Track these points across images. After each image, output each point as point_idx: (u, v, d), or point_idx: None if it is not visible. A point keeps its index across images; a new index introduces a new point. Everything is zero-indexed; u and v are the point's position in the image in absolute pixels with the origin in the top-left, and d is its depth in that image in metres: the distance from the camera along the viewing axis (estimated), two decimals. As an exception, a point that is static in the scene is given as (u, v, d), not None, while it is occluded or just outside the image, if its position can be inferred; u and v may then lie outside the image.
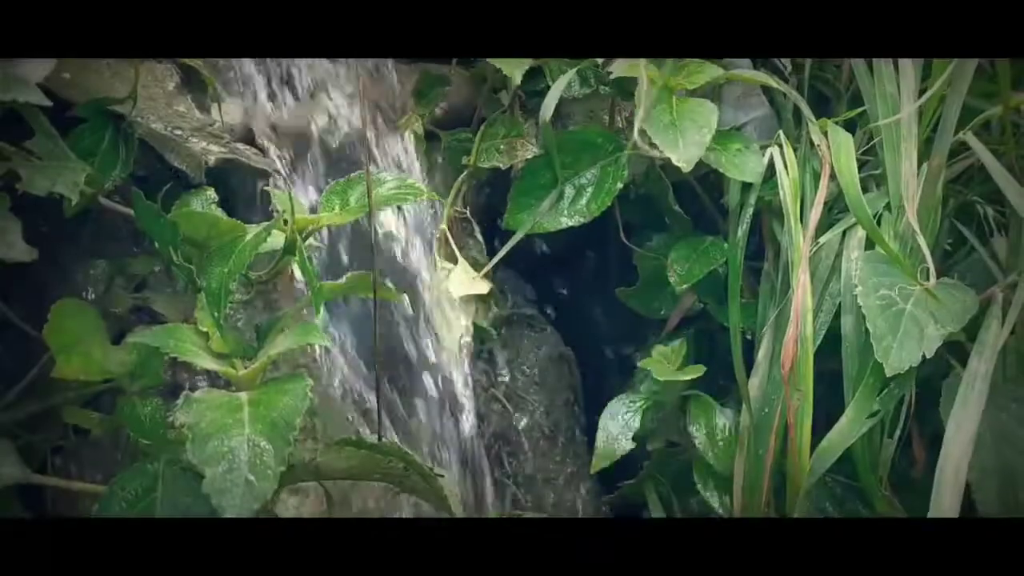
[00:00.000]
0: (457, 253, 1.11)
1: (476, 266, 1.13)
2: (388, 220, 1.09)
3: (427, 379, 1.11)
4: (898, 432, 0.95)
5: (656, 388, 1.13)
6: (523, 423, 1.26)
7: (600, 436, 1.12)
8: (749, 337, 1.09)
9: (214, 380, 1.03)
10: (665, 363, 1.09)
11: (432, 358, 1.11)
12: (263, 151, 1.10)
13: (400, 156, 1.14)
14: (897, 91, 1.00)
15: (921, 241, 0.92)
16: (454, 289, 1.07)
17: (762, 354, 1.05)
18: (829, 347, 0.99)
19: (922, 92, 0.99)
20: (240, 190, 1.08)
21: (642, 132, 1.02)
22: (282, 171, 1.09)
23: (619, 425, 1.11)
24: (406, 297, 1.06)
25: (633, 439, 1.11)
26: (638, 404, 1.12)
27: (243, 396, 0.78)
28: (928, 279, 0.93)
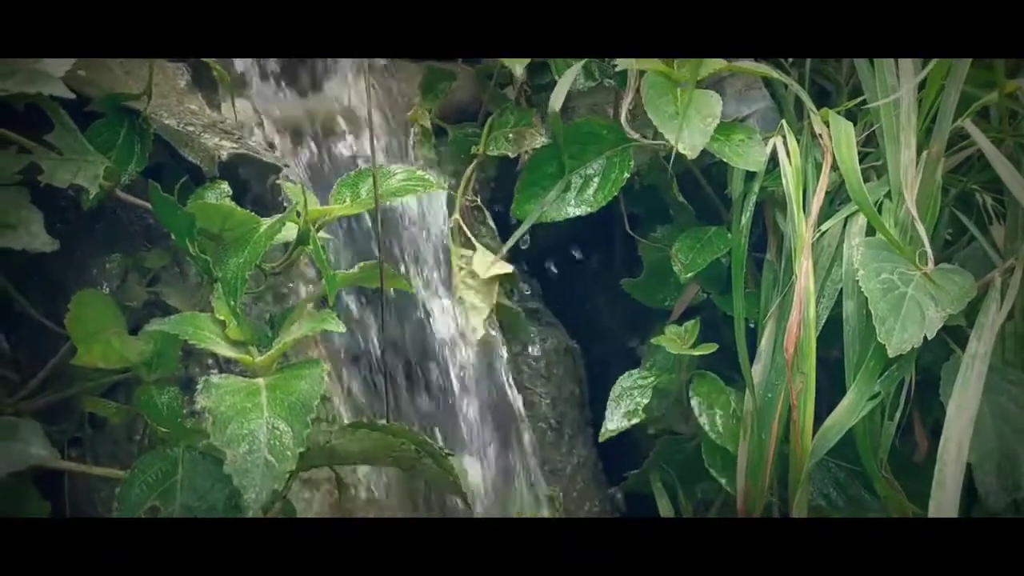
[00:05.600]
0: (473, 239, 1.13)
1: (492, 252, 1.15)
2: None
3: (452, 365, 1.13)
4: (898, 415, 0.97)
5: (666, 365, 1.14)
6: (529, 415, 1.28)
7: (609, 409, 1.14)
8: (752, 325, 1.11)
9: (226, 372, 1.05)
10: (678, 340, 1.11)
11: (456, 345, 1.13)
12: (273, 147, 1.12)
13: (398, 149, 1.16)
14: (897, 81, 1.01)
15: (919, 227, 0.94)
16: (479, 270, 1.08)
17: (765, 341, 1.07)
18: (829, 336, 1.01)
19: (921, 82, 1.01)
20: (249, 186, 1.10)
21: (631, 119, 1.04)
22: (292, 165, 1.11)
23: (628, 399, 1.13)
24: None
25: (642, 412, 1.12)
26: (648, 379, 1.14)
27: (261, 381, 0.80)
28: (926, 264, 0.94)
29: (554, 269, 1.40)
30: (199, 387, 0.77)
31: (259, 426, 0.75)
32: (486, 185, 1.27)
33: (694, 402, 1.09)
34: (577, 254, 1.42)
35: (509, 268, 1.11)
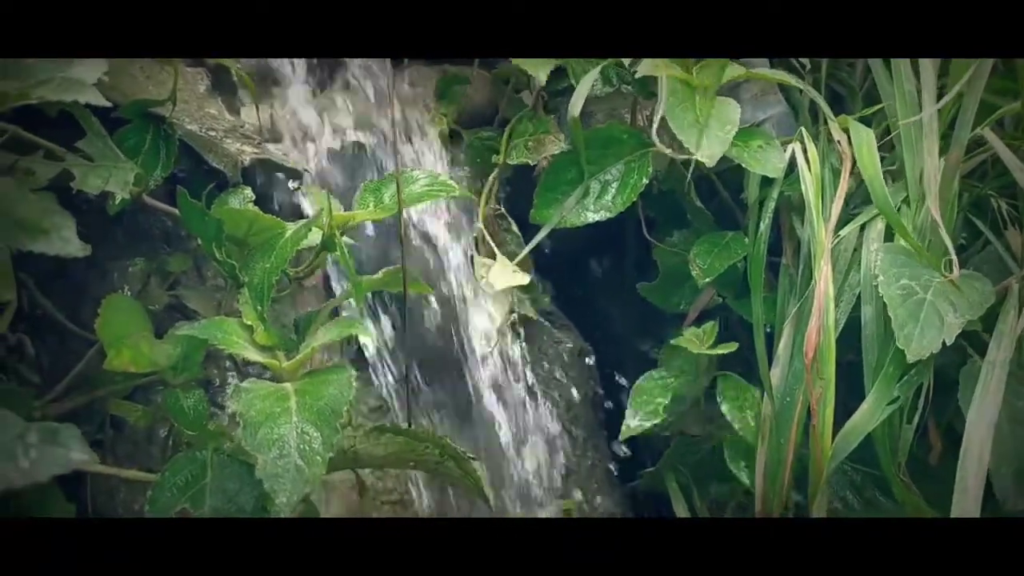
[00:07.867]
0: (495, 249, 1.13)
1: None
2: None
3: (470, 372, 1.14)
4: (916, 419, 0.98)
5: (686, 366, 1.15)
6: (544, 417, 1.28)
7: (629, 409, 1.14)
8: (769, 330, 1.12)
9: (243, 374, 1.06)
10: (697, 341, 1.12)
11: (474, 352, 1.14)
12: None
13: (424, 154, 1.16)
14: (915, 89, 1.02)
15: (944, 234, 0.94)
16: (496, 283, 1.09)
17: (782, 346, 1.07)
18: (845, 340, 1.01)
19: (940, 89, 1.01)
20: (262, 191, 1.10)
21: (660, 129, 1.05)
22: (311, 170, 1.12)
23: (648, 398, 1.13)
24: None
25: (663, 411, 1.13)
26: (667, 379, 1.15)
27: (289, 386, 0.81)
28: (951, 271, 0.95)
29: (568, 272, 1.40)
30: (229, 392, 0.78)
31: (289, 431, 0.75)
32: (501, 187, 1.27)
33: (724, 407, 1.09)
34: (591, 258, 1.42)
35: (526, 279, 1.12)
